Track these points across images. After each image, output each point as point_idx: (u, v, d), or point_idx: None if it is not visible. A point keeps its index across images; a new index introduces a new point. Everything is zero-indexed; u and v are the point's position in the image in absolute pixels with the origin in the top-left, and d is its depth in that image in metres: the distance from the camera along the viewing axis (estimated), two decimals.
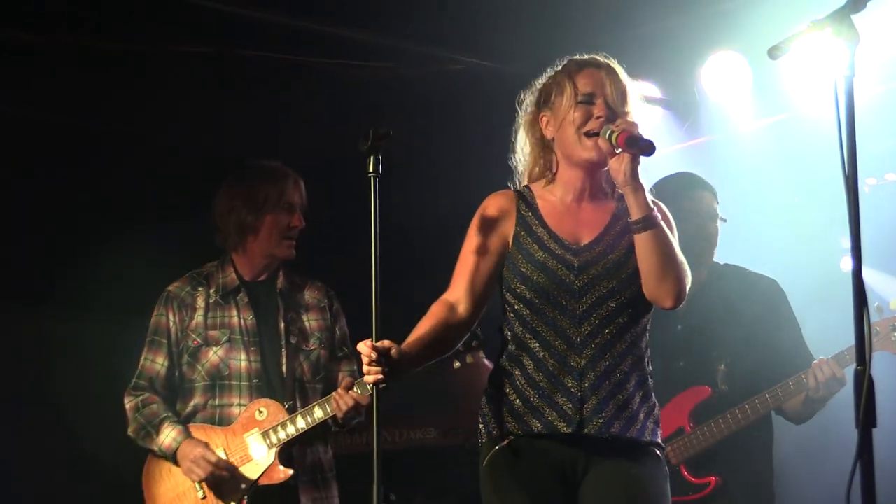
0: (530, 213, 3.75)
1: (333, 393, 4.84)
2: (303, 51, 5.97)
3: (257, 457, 4.91)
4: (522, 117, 3.85)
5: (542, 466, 3.65)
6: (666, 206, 5.00)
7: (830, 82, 2.92)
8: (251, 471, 4.91)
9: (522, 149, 3.84)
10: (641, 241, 3.59)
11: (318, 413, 4.87)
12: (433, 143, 6.26)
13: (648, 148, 3.52)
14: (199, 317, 5.04)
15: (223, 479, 4.88)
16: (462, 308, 3.70)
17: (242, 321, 5.03)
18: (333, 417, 4.86)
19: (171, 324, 5.06)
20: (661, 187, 5.10)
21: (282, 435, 4.88)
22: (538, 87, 3.83)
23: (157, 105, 6.02)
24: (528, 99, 3.85)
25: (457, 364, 4.87)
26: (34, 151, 6.14)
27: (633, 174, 3.56)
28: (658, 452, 3.72)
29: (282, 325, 5.05)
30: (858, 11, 2.92)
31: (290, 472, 4.90)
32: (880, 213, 6.26)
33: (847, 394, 2.95)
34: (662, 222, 3.62)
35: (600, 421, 3.60)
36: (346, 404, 4.80)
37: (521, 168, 3.87)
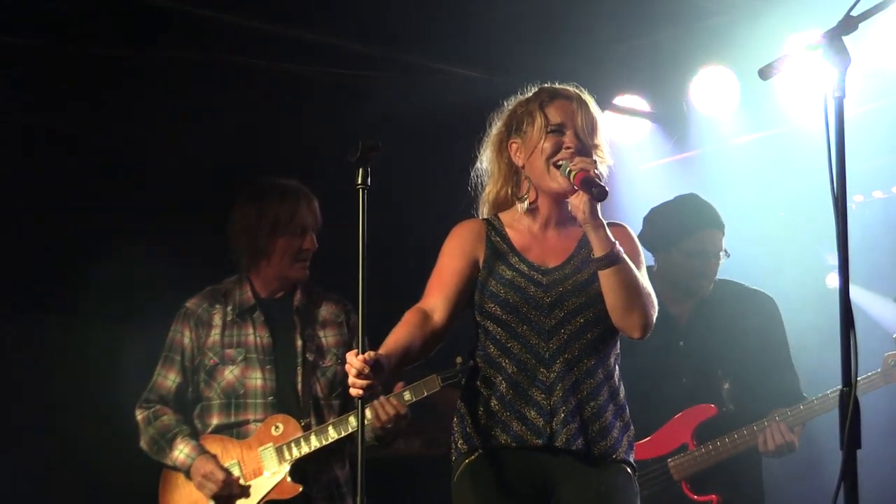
0: (499, 240, 3.79)
1: (374, 401, 4.76)
2: (294, 59, 5.96)
3: (269, 471, 4.90)
4: (491, 138, 3.87)
5: (513, 479, 3.67)
6: (670, 244, 5.01)
7: (819, 99, 2.93)
8: (262, 485, 4.91)
9: (489, 168, 3.87)
10: (605, 278, 3.62)
11: (332, 433, 4.87)
12: (423, 154, 6.25)
13: (600, 195, 3.53)
14: (215, 335, 5.04)
15: (233, 493, 4.90)
16: (437, 316, 3.71)
17: (258, 339, 5.02)
18: (373, 432, 4.82)
19: (187, 340, 5.06)
20: (668, 218, 5.14)
21: (295, 452, 4.88)
22: (507, 111, 3.86)
23: (151, 111, 6.00)
24: (498, 122, 3.87)
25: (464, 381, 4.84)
26: (33, 157, 6.12)
27: (592, 212, 3.58)
28: (629, 471, 3.73)
29: (298, 342, 5.02)
30: (850, 33, 2.93)
31: (300, 487, 4.88)
32: (867, 230, 6.29)
33: (833, 415, 2.95)
34: (626, 255, 3.63)
35: (569, 434, 3.62)
36: (386, 413, 4.75)
37: (487, 188, 3.88)
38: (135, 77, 5.82)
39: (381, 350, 3.57)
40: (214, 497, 4.90)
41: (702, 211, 5.15)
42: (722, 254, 5.06)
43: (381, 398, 4.74)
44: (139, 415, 5.06)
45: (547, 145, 3.69)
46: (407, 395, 4.79)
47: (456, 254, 3.78)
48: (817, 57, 2.96)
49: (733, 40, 5.92)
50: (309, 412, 4.97)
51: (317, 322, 5.09)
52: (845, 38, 2.93)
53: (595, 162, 3.63)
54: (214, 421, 4.99)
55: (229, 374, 4.98)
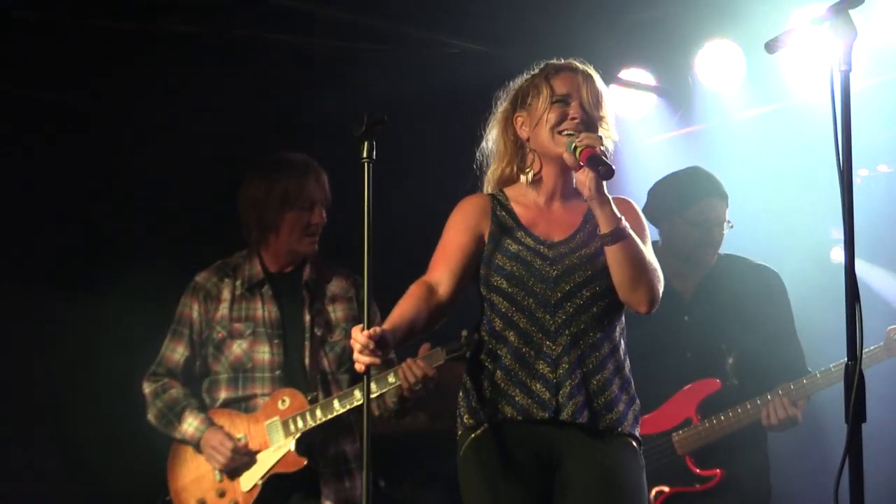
0: (504, 214, 3.80)
1: (402, 363, 4.75)
2: (297, 32, 5.95)
3: (275, 444, 4.92)
4: (496, 116, 3.88)
5: (519, 452, 3.68)
6: (673, 212, 5.01)
7: (825, 73, 2.93)
8: (268, 457, 4.93)
9: (495, 147, 3.88)
10: (612, 253, 3.62)
11: (337, 406, 4.87)
12: (428, 128, 6.25)
13: (607, 173, 3.52)
14: (224, 308, 5.05)
15: (242, 464, 4.93)
16: (442, 290, 3.72)
17: (267, 314, 5.04)
18: (398, 395, 4.80)
19: (196, 314, 5.08)
20: (671, 188, 5.15)
21: (301, 425, 4.89)
22: (514, 88, 3.86)
23: (167, 90, 6.04)
24: (503, 100, 3.88)
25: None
26: (52, 136, 6.15)
27: (598, 188, 3.57)
28: (635, 444, 3.75)
29: (307, 317, 5.04)
30: (856, 6, 2.92)
31: (305, 460, 4.90)
32: (872, 204, 6.28)
33: (838, 389, 2.96)
34: (632, 230, 3.64)
35: (575, 407, 3.62)
36: (414, 375, 4.72)
37: (492, 167, 3.89)
38: (138, 54, 5.83)
39: (386, 324, 3.59)
40: (223, 468, 4.93)
41: (704, 180, 5.16)
42: (725, 224, 5.07)
43: (409, 360, 4.73)
44: (147, 388, 5.09)
45: (552, 115, 3.70)
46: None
47: (461, 228, 3.78)
48: (823, 31, 2.96)
49: (739, 14, 5.91)
50: (316, 386, 4.98)
51: (326, 296, 5.11)
52: (851, 12, 2.93)
53: (601, 138, 3.62)
54: (222, 395, 5.01)
55: (237, 347, 5.00)
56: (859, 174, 6.46)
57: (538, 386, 3.64)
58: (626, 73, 6.62)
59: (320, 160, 5.15)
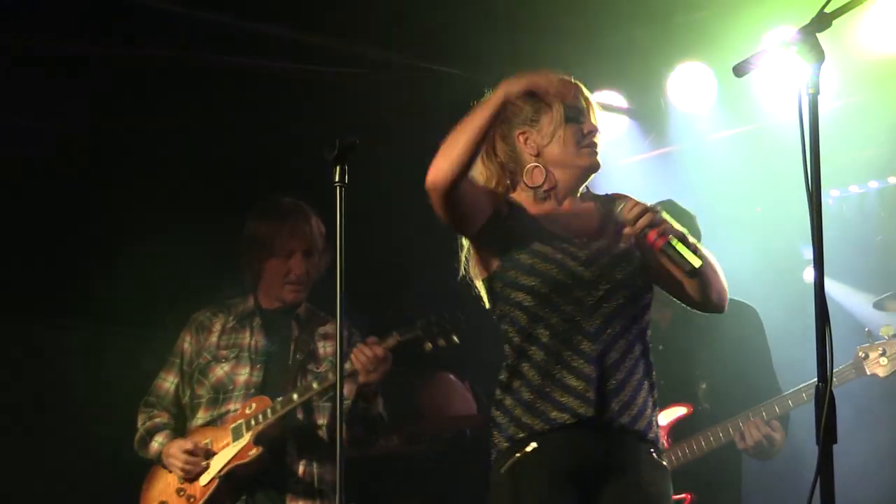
0: (518, 212, 3.74)
1: (352, 352, 4.78)
2: (273, 56, 5.96)
3: (235, 441, 4.93)
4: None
5: (565, 462, 3.58)
6: None
7: (795, 95, 2.95)
8: (227, 453, 4.94)
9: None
10: (700, 279, 3.66)
11: (296, 398, 4.88)
12: (401, 150, 6.26)
13: (691, 274, 3.61)
14: (213, 337, 5.10)
15: (199, 465, 4.94)
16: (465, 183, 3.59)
17: (254, 342, 5.07)
18: (358, 391, 4.83)
19: (187, 345, 5.14)
20: None
21: (261, 419, 4.91)
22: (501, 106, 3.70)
23: (163, 114, 6.06)
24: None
25: (428, 346, 4.82)
26: (51, 163, 6.19)
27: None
28: (665, 464, 3.73)
29: (292, 345, 5.05)
30: (824, 30, 2.95)
31: (260, 448, 4.88)
32: (844, 224, 6.32)
33: (810, 409, 2.97)
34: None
35: (613, 411, 3.58)
36: (364, 355, 4.76)
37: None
38: (113, 79, 5.86)
39: None
40: (181, 473, 4.95)
41: (680, 221, 5.16)
42: None
43: (360, 344, 4.79)
44: (139, 419, 5.16)
45: (569, 133, 3.71)
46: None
47: (480, 187, 3.73)
48: (792, 54, 2.98)
49: (710, 37, 5.94)
50: (297, 409, 4.96)
51: (317, 333, 5.11)
52: (819, 35, 2.95)
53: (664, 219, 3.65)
54: (201, 414, 5.05)
55: (219, 370, 5.04)
56: (831, 195, 6.50)
57: (579, 389, 3.57)
58: (598, 96, 6.53)
59: (287, 183, 5.16)
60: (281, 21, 5.80)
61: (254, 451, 4.89)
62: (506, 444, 3.65)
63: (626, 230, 3.64)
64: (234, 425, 4.95)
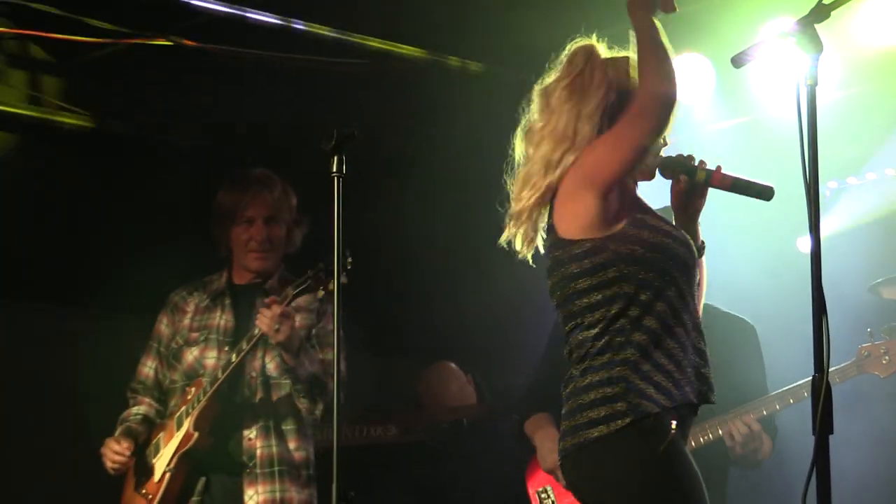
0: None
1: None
2: (275, 47, 5.97)
3: (178, 429, 4.93)
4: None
5: (684, 440, 3.51)
6: None
7: (793, 87, 2.95)
8: (172, 445, 4.93)
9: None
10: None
11: (219, 374, 4.84)
12: (406, 142, 6.27)
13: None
14: (187, 319, 5.10)
15: (121, 460, 4.97)
16: None
17: (223, 322, 5.05)
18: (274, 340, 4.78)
19: (163, 327, 5.15)
20: None
21: (196, 403, 4.89)
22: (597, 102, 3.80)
23: (169, 104, 6.11)
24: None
25: (321, 292, 4.77)
26: (58, 156, 6.22)
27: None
28: None
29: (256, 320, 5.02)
30: (822, 21, 2.95)
31: (196, 433, 4.85)
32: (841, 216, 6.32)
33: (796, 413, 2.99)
34: None
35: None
36: (266, 317, 4.71)
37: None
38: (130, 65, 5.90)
39: None
40: (113, 471, 5.00)
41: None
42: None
43: (260, 308, 4.76)
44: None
45: None
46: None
47: None
48: (790, 45, 2.98)
49: (708, 28, 5.93)
50: (257, 389, 4.94)
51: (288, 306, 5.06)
52: (818, 27, 2.95)
53: None
54: (174, 402, 5.04)
55: (189, 355, 5.03)
56: (828, 187, 6.49)
57: (704, 369, 3.54)
58: None
59: (287, 173, 5.15)
60: (280, 9, 5.79)
61: (195, 437, 4.85)
62: (657, 410, 3.40)
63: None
64: (177, 414, 4.94)
